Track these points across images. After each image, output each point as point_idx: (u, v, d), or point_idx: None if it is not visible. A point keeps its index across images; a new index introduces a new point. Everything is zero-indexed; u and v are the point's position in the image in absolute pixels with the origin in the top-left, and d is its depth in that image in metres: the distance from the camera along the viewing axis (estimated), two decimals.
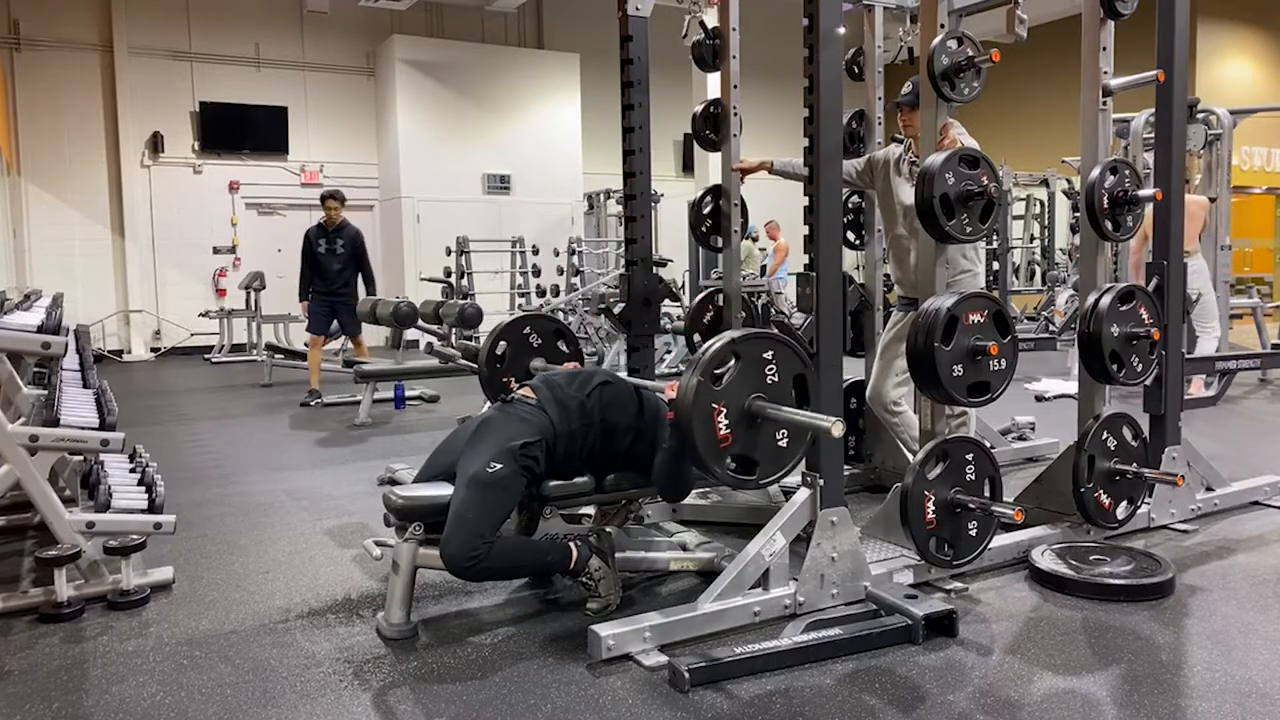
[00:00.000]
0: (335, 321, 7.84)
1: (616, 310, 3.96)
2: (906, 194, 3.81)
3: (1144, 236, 6.57)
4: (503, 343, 3.71)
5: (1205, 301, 6.76)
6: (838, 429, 2.43)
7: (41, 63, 11.81)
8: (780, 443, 2.61)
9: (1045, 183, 12.98)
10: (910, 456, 4.02)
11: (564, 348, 3.84)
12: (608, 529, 3.05)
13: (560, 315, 10.11)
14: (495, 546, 2.66)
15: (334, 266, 7.73)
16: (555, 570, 2.87)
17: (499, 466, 2.73)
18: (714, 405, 2.50)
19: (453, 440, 3.00)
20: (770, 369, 2.59)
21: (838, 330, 2.93)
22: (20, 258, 11.70)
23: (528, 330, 3.77)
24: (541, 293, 11.62)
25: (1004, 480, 3.20)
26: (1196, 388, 6.75)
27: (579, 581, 2.86)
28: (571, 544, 2.83)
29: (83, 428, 3.16)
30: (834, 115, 2.88)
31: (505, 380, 3.67)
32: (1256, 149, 14.72)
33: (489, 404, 3.39)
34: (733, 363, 2.54)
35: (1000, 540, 3.27)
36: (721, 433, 2.51)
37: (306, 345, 9.41)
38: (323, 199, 7.81)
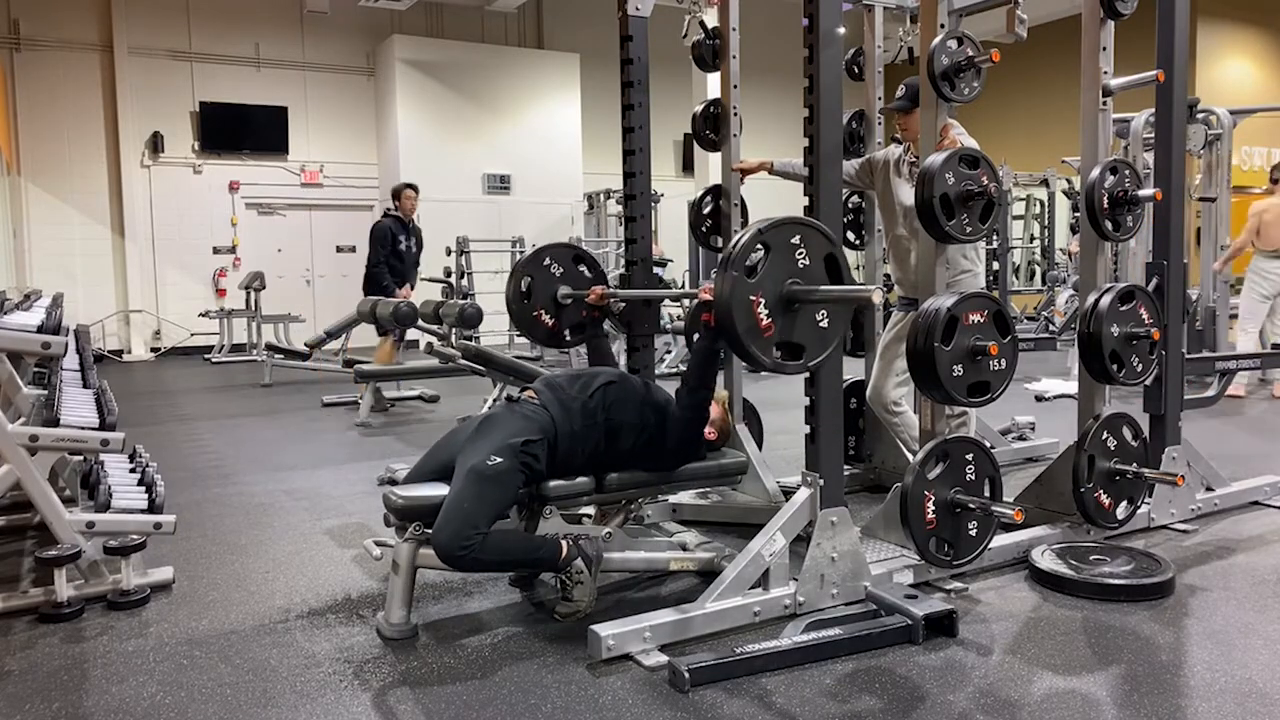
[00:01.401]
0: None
1: (616, 310, 3.96)
2: (906, 194, 3.81)
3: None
4: (527, 278, 3.73)
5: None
6: (877, 296, 2.48)
7: (41, 63, 11.81)
8: (821, 324, 2.61)
9: (1045, 183, 12.97)
10: (910, 457, 4.02)
11: (586, 272, 3.86)
12: (605, 534, 3.05)
13: None
14: (488, 539, 2.66)
15: (412, 260, 7.88)
16: (544, 566, 2.86)
17: (499, 460, 2.73)
18: (751, 297, 2.50)
19: (450, 438, 3.00)
20: (800, 253, 2.59)
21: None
22: (20, 258, 11.71)
23: (548, 261, 3.79)
24: None
25: (1004, 480, 3.20)
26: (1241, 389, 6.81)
27: (559, 578, 2.85)
28: (564, 542, 2.83)
29: (83, 428, 3.16)
30: (834, 115, 2.88)
31: (536, 314, 3.70)
32: (1256, 149, 14.71)
33: (489, 404, 3.40)
34: (762, 253, 2.54)
35: (1000, 540, 3.27)
36: (764, 322, 2.51)
37: (307, 345, 9.45)
38: (397, 193, 7.78)
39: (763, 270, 2.53)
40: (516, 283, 3.73)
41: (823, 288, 2.58)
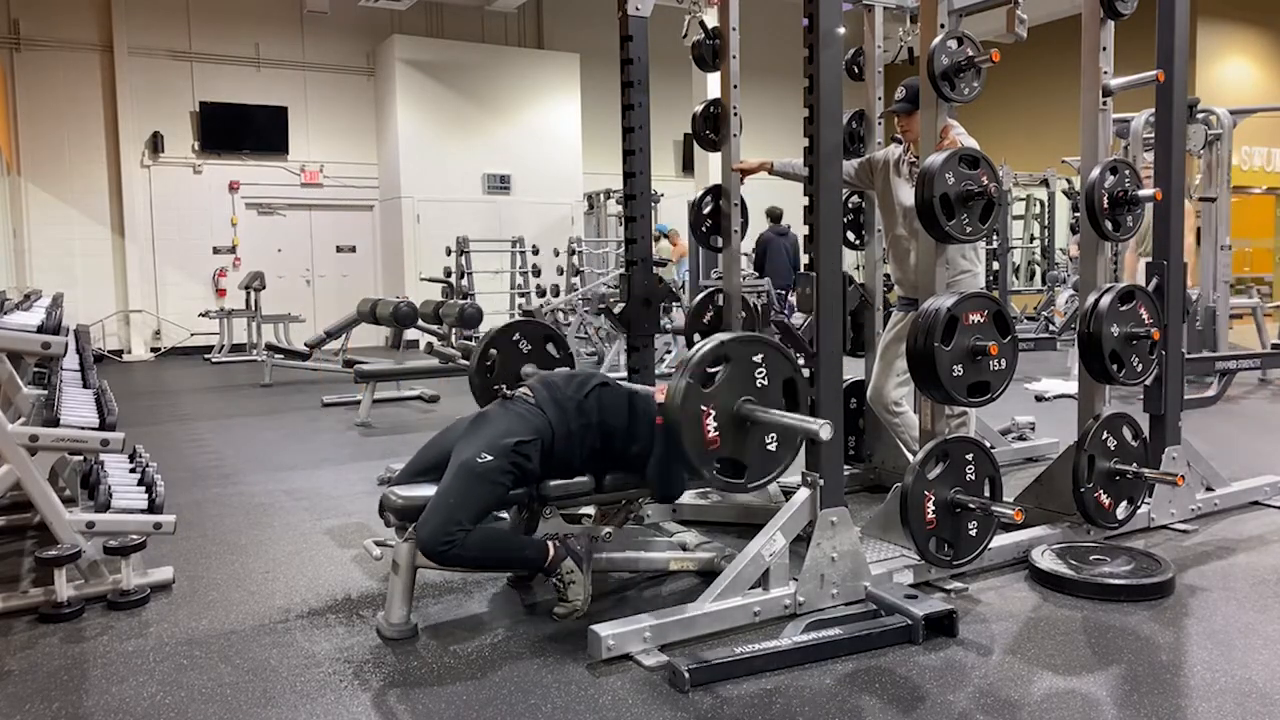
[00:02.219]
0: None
1: (616, 310, 3.96)
2: (906, 195, 3.81)
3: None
4: (493, 350, 3.68)
5: None
6: (826, 431, 2.43)
7: (41, 63, 11.82)
8: (770, 447, 2.61)
9: (1045, 183, 12.98)
10: (911, 457, 4.02)
11: (554, 353, 3.81)
12: (605, 534, 3.05)
13: (560, 315, 10.11)
14: (472, 534, 2.66)
15: None
16: (530, 566, 2.84)
17: (489, 458, 2.73)
18: (703, 407, 2.49)
19: (445, 434, 3.00)
20: (760, 372, 2.58)
21: (838, 330, 2.93)
22: (20, 258, 11.71)
23: (517, 337, 3.74)
24: (541, 293, 11.62)
25: (1004, 480, 3.20)
26: None
27: (551, 581, 2.84)
28: (550, 543, 2.82)
29: (83, 428, 3.16)
30: (834, 115, 2.88)
31: (496, 389, 3.66)
32: (1256, 149, 14.72)
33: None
34: (723, 365, 2.53)
35: (1000, 540, 3.26)
36: (710, 435, 2.50)
37: (307, 345, 9.46)
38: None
39: (718, 383, 2.50)
40: (482, 355, 3.65)
41: (774, 412, 2.55)
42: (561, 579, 2.79)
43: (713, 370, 2.53)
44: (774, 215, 10.52)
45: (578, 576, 2.79)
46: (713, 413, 2.50)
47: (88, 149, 12.13)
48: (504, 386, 3.50)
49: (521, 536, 2.91)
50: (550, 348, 3.81)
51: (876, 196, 4.19)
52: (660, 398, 2.61)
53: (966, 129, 3.56)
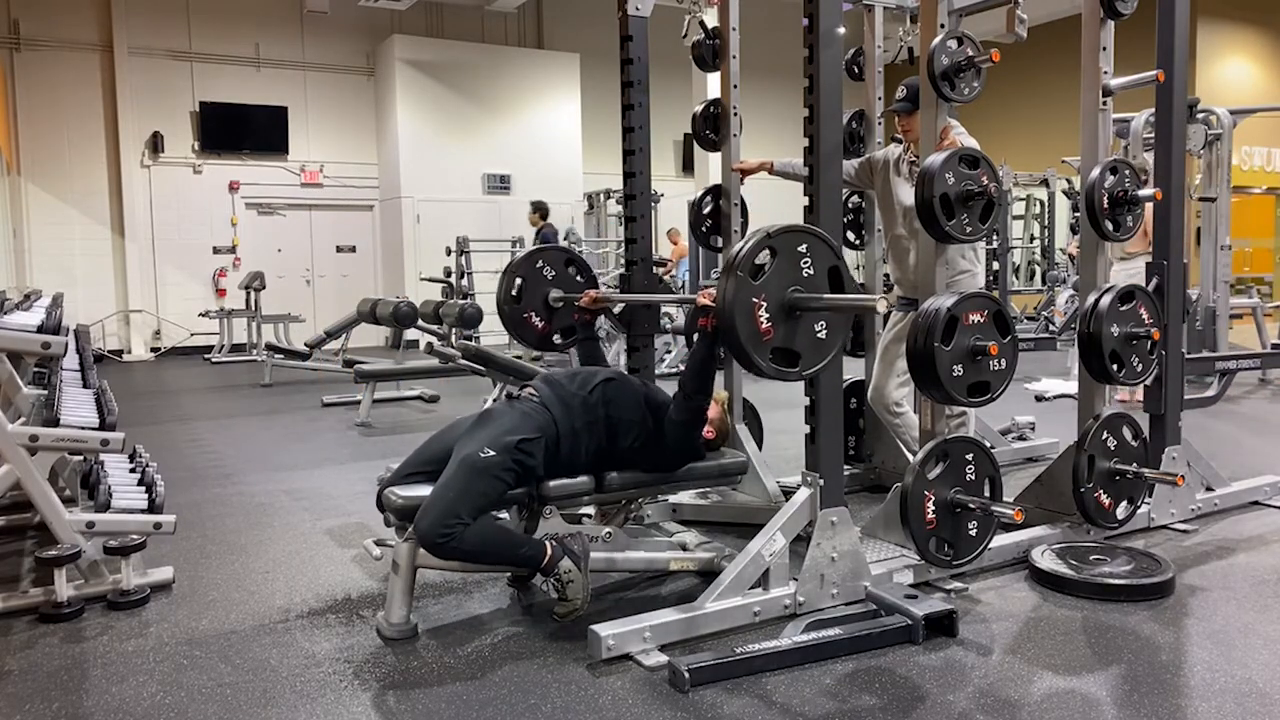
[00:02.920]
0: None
1: (616, 310, 3.96)
2: (906, 194, 3.81)
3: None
4: (518, 279, 3.71)
5: None
6: (882, 305, 2.50)
7: (41, 63, 11.82)
8: (820, 334, 2.62)
9: (1045, 183, 12.98)
10: (911, 457, 4.01)
11: (578, 276, 3.84)
12: (605, 534, 3.04)
13: None
14: (470, 529, 2.65)
15: None
16: (527, 564, 2.83)
17: (491, 454, 2.73)
18: (754, 299, 2.51)
19: (447, 431, 3.00)
20: (805, 262, 2.59)
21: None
22: (20, 258, 11.71)
23: (540, 263, 3.77)
24: None
25: (1004, 480, 3.20)
26: None
27: (549, 581, 2.83)
28: (548, 542, 2.81)
29: (83, 428, 3.16)
30: (834, 115, 2.88)
31: (526, 316, 3.69)
32: (1256, 149, 14.72)
33: (490, 400, 3.39)
34: (768, 257, 2.55)
35: (1000, 540, 3.27)
36: (763, 326, 2.51)
37: (307, 345, 9.46)
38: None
39: (767, 275, 2.53)
40: (508, 283, 3.70)
41: (826, 295, 2.59)
42: (560, 578, 2.78)
43: (760, 263, 2.54)
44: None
45: (576, 576, 2.78)
46: (764, 304, 2.52)
47: (88, 149, 12.13)
48: (533, 313, 3.65)
49: (520, 534, 2.91)
50: (572, 271, 3.83)
51: (876, 196, 4.19)
52: (704, 300, 2.78)
53: (967, 129, 3.56)
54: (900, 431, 4.12)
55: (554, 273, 3.78)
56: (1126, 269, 6.19)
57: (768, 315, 2.52)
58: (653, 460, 3.05)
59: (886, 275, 4.43)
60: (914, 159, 3.80)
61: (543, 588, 3.02)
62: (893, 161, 3.96)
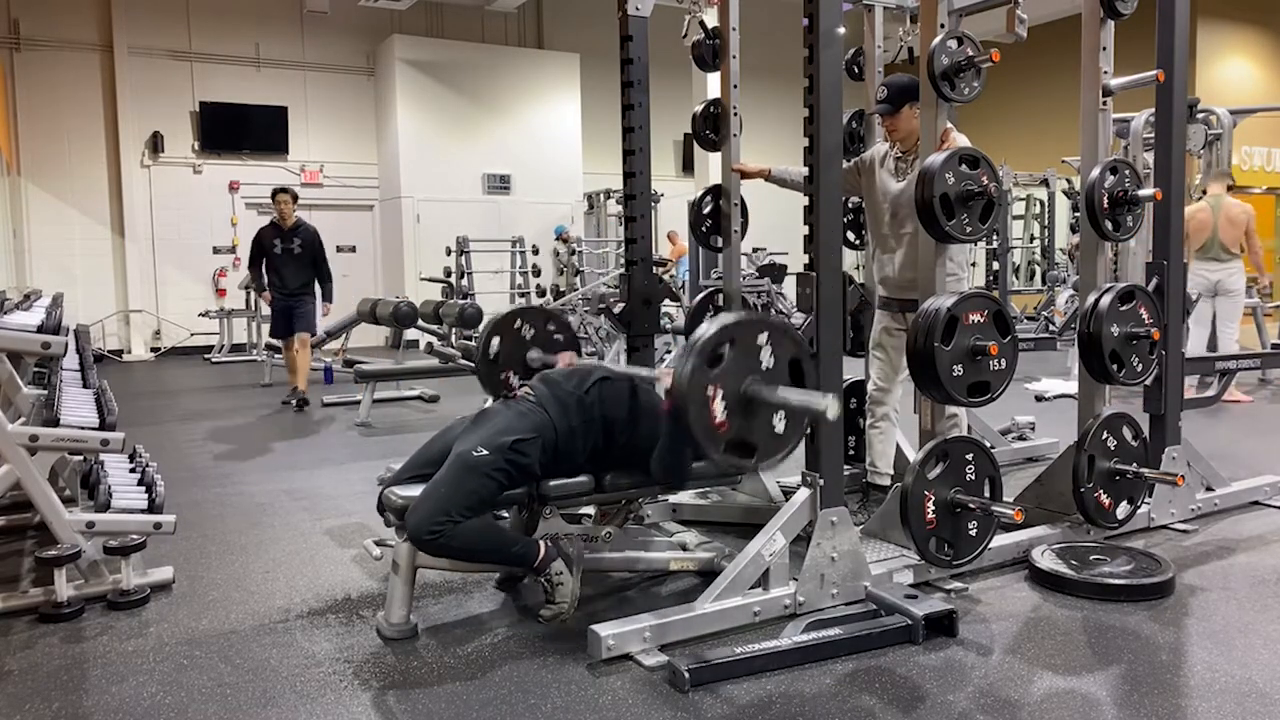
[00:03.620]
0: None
1: (616, 310, 3.96)
2: (892, 186, 3.78)
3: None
4: (496, 339, 3.66)
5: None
6: (833, 410, 2.40)
7: (41, 63, 11.81)
8: (777, 428, 2.58)
9: (1045, 183, 12.97)
10: (877, 476, 4.00)
11: (557, 335, 3.76)
12: (605, 534, 3.04)
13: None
14: (461, 526, 2.65)
15: (290, 269, 7.58)
16: (519, 563, 2.82)
17: (484, 452, 2.73)
18: (710, 390, 2.47)
19: (446, 432, 3.00)
20: (765, 353, 2.56)
21: (837, 330, 2.93)
22: (20, 258, 11.70)
23: (519, 324, 3.71)
24: (541, 293, 11.62)
25: (1004, 480, 3.20)
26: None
27: (540, 581, 2.82)
28: (541, 543, 2.81)
29: (83, 428, 3.16)
30: (834, 115, 2.88)
31: (504, 376, 3.66)
32: (1256, 149, 14.71)
33: (488, 400, 3.39)
34: (728, 348, 2.51)
35: (1000, 540, 3.27)
36: (718, 418, 2.48)
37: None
38: (273, 195, 7.56)
39: (725, 364, 2.46)
40: (486, 342, 3.61)
41: (781, 390, 2.50)
42: (550, 580, 2.77)
43: (719, 352, 2.50)
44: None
45: (566, 579, 2.77)
46: (720, 393, 2.48)
47: (88, 149, 12.12)
48: (511, 373, 3.49)
49: (512, 533, 2.91)
50: (552, 328, 3.74)
51: (864, 196, 4.15)
52: (666, 381, 2.59)
53: (968, 129, 3.55)
54: (874, 439, 4.07)
55: (533, 332, 3.68)
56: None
57: (724, 406, 2.45)
58: (645, 458, 3.02)
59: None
60: (900, 155, 3.79)
61: (535, 587, 3.01)
62: (879, 159, 3.94)
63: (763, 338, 2.53)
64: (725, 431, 2.47)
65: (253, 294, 11.24)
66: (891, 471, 4.00)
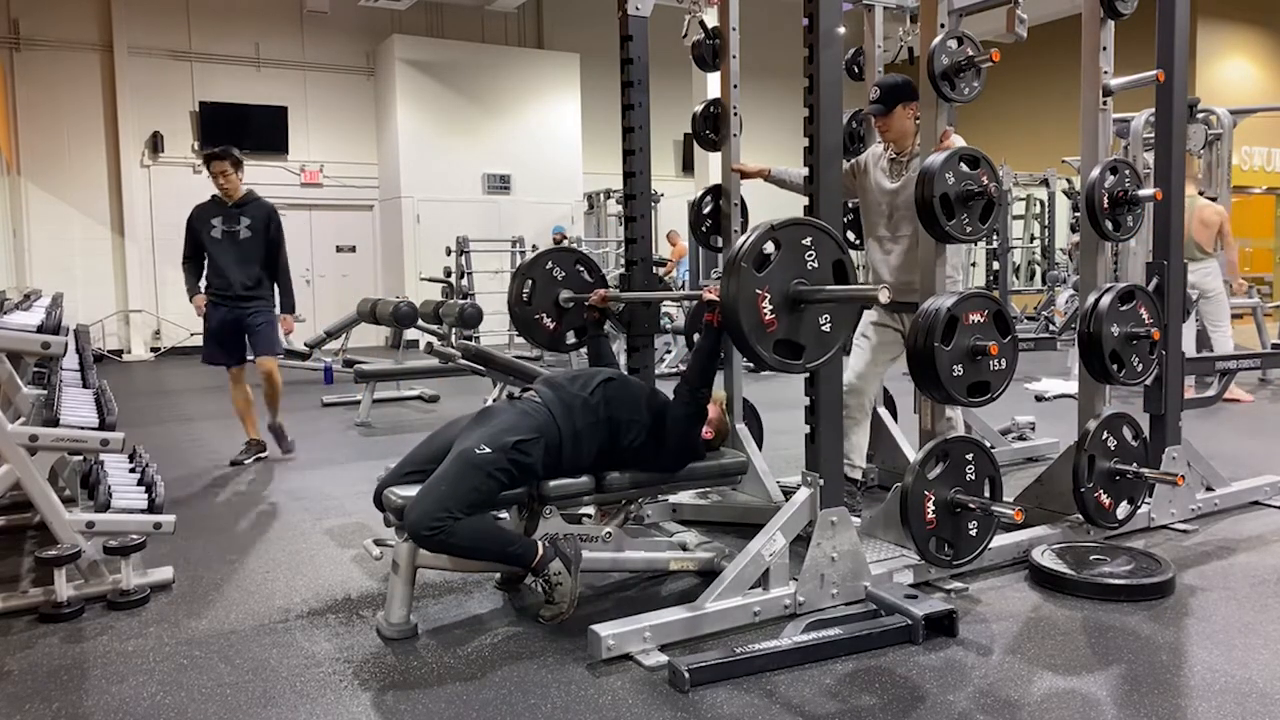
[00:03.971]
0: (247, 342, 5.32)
1: (616, 310, 3.96)
2: (887, 184, 3.78)
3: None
4: (529, 281, 3.75)
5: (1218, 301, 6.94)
6: (883, 295, 2.46)
7: (41, 62, 11.81)
8: (824, 328, 2.62)
9: (1045, 183, 12.98)
10: (850, 464, 3.98)
11: (587, 276, 3.87)
12: (605, 534, 3.04)
13: None
14: (460, 523, 2.65)
15: (234, 258, 5.19)
16: (517, 562, 2.82)
17: (487, 451, 2.73)
18: (758, 291, 2.50)
19: (446, 429, 3.00)
20: (810, 255, 2.59)
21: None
22: (20, 258, 11.70)
23: (550, 265, 3.80)
24: None
25: (1004, 480, 3.20)
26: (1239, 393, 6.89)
27: (538, 581, 2.83)
28: (540, 543, 2.81)
29: (83, 428, 3.16)
30: (834, 115, 2.88)
31: (538, 318, 3.72)
32: (1256, 149, 14.73)
33: (489, 401, 3.39)
34: (773, 249, 2.54)
35: (1000, 540, 3.27)
36: (767, 318, 2.51)
37: (307, 345, 9.44)
38: (207, 161, 5.23)
39: (771, 267, 2.53)
40: (519, 287, 3.74)
41: (828, 287, 2.58)
42: (549, 580, 2.77)
43: (765, 254, 2.54)
44: None
45: (565, 579, 2.77)
46: (768, 296, 2.51)
47: (88, 149, 12.12)
48: (545, 315, 3.70)
49: (512, 532, 2.91)
50: (580, 269, 3.86)
51: (860, 198, 4.14)
52: (710, 295, 2.72)
53: (967, 129, 3.55)
54: (848, 430, 4.03)
55: (564, 273, 3.82)
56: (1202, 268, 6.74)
57: (771, 307, 2.52)
58: (653, 460, 3.05)
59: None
60: (894, 156, 3.78)
61: (534, 588, 3.01)
62: (873, 160, 3.93)
63: (808, 240, 2.56)
64: (774, 330, 2.53)
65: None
66: (863, 464, 4.01)
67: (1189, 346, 6.89)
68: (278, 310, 5.36)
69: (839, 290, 2.59)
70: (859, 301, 2.66)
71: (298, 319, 5.66)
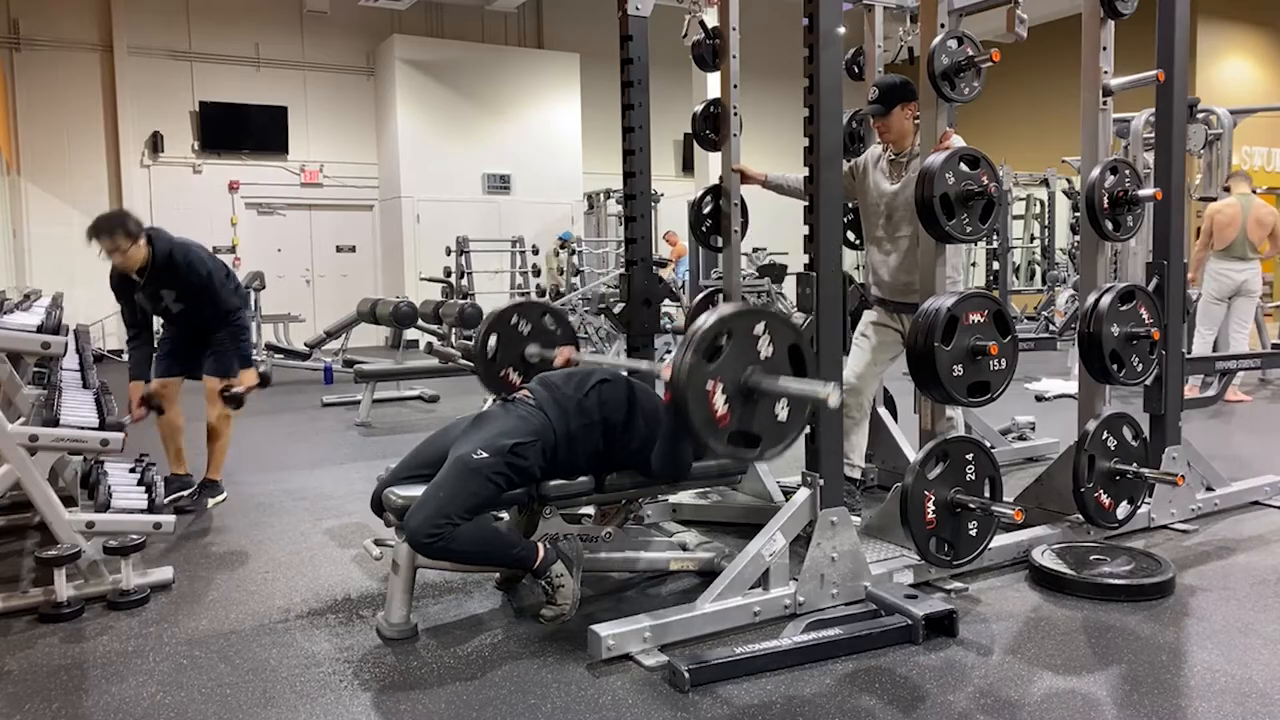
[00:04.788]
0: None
1: (616, 310, 3.96)
2: (886, 188, 3.78)
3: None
4: (493, 336, 3.62)
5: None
6: (834, 398, 2.39)
7: (41, 63, 11.81)
8: (780, 416, 2.56)
9: (1045, 183, 12.97)
10: (849, 463, 3.97)
11: (553, 327, 3.71)
12: (605, 534, 3.04)
13: None
14: (461, 529, 2.65)
15: (183, 326, 4.44)
16: (519, 565, 2.82)
17: (484, 455, 2.72)
18: (709, 384, 2.46)
19: (444, 432, 2.99)
20: (764, 342, 2.54)
21: (838, 330, 2.93)
22: (20, 258, 11.70)
23: (515, 320, 3.66)
24: (541, 293, 11.62)
25: (1004, 480, 3.20)
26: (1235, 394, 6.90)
27: (540, 583, 2.82)
28: (541, 544, 2.81)
29: (83, 428, 3.17)
30: (834, 115, 2.88)
31: (503, 374, 3.65)
32: (1256, 149, 14.71)
33: (488, 405, 3.38)
34: (725, 339, 2.50)
35: (1000, 540, 3.26)
36: (719, 411, 2.45)
37: (307, 344, 9.44)
38: (90, 238, 4.07)
39: (723, 356, 2.44)
40: (483, 341, 3.58)
41: (781, 379, 2.49)
42: (550, 581, 2.77)
43: (715, 346, 2.48)
44: None
45: (567, 580, 2.77)
46: (720, 386, 2.45)
47: (88, 149, 12.12)
48: (511, 370, 3.50)
49: (512, 535, 2.91)
50: (548, 321, 3.70)
51: (859, 199, 4.14)
52: (666, 374, 2.57)
53: (967, 129, 3.55)
54: (847, 429, 4.02)
55: (530, 326, 3.64)
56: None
57: (724, 399, 2.42)
58: (647, 464, 3.02)
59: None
60: (893, 157, 3.78)
61: (534, 589, 3.01)
62: (872, 161, 3.93)
63: (760, 327, 2.51)
64: (727, 424, 2.45)
65: (253, 293, 11.23)
66: (862, 464, 4.00)
67: (1205, 348, 6.92)
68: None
69: (786, 387, 2.47)
70: (809, 400, 2.52)
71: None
